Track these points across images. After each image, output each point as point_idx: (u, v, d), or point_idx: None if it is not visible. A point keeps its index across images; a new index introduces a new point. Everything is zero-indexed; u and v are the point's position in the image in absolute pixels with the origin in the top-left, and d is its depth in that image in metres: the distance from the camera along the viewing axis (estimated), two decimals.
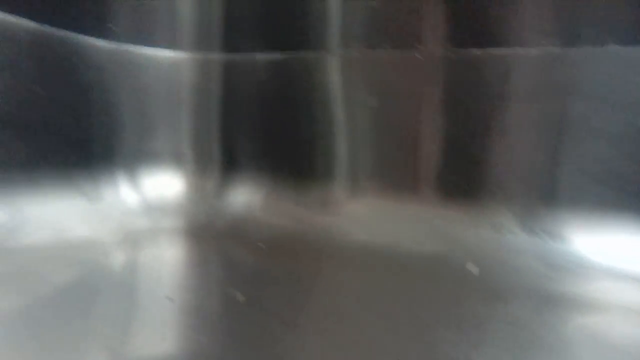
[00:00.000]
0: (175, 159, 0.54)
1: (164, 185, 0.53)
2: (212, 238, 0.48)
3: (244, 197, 0.53)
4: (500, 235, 0.42)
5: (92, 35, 0.47)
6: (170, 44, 0.53)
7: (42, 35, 0.43)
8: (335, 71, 0.50)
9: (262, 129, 0.53)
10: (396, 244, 0.43)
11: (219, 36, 0.54)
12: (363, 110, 0.49)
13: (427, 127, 0.46)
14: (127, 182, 0.50)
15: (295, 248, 0.45)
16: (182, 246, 0.46)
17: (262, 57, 0.52)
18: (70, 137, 0.46)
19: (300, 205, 0.50)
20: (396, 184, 0.48)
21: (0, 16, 0.39)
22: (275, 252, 0.43)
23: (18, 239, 0.38)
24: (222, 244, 0.46)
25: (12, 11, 0.40)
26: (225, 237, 0.48)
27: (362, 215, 0.48)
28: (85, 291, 0.32)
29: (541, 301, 0.33)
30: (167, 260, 0.42)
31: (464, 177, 0.45)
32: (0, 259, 0.35)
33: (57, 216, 0.42)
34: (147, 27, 0.52)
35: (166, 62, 0.53)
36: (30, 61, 0.42)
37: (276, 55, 0.52)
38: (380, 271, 0.39)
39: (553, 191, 0.41)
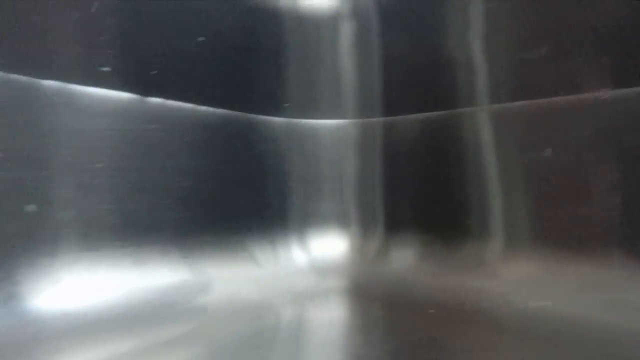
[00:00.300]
0: (340, 221, 0.56)
1: (330, 246, 0.55)
2: (376, 299, 0.47)
3: (405, 257, 0.52)
4: None
5: (268, 114, 0.53)
6: (335, 113, 0.57)
7: (228, 119, 0.50)
8: (486, 125, 0.48)
9: (421, 188, 0.53)
10: (565, 312, 0.37)
11: (379, 101, 0.56)
12: (517, 163, 0.45)
13: (596, 179, 0.40)
14: (297, 244, 0.54)
15: (456, 313, 0.41)
16: (347, 307, 0.47)
17: (417, 117, 0.53)
18: (249, 204, 0.51)
19: (459, 267, 0.47)
20: (559, 243, 0.42)
21: (190, 106, 0.47)
22: (435, 317, 0.40)
23: (201, 298, 0.43)
24: (387, 306, 0.45)
25: (204, 103, 0.48)
26: (389, 299, 0.47)
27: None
28: (256, 347, 0.34)
29: None
30: (334, 322, 0.42)
31: None
32: (186, 316, 0.39)
33: (234, 277, 0.47)
34: (314, 100, 0.57)
35: (331, 129, 0.57)
36: (218, 142, 0.49)
37: (430, 115, 0.52)
38: (550, 344, 0.34)
39: None
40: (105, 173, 0.40)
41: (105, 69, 0.41)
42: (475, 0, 0.48)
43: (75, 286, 0.37)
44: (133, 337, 0.34)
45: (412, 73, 0.54)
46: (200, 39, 0.46)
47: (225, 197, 0.49)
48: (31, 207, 0.36)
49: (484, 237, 0.48)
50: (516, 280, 0.44)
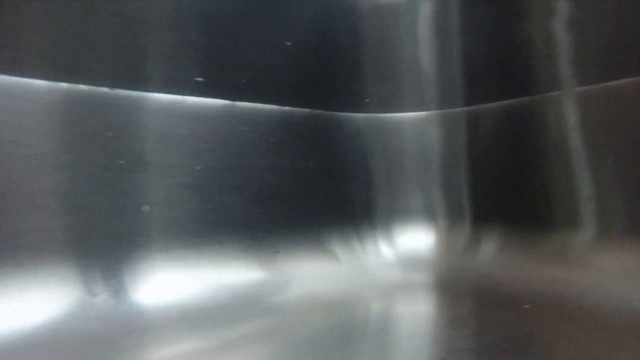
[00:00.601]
0: (426, 214, 0.56)
1: (416, 240, 0.55)
2: (467, 293, 0.47)
3: (494, 249, 0.50)
4: None
5: (350, 111, 0.54)
6: (417, 105, 0.57)
7: (311, 117, 0.52)
8: (573, 109, 0.45)
9: (508, 178, 0.51)
10: None
11: (462, 90, 0.55)
12: (608, 148, 0.42)
13: None
14: (383, 239, 0.54)
15: (554, 309, 0.40)
16: (437, 301, 0.47)
17: (502, 105, 0.51)
18: (334, 200, 0.53)
19: (549, 259, 0.45)
20: None
21: (276, 108, 0.49)
22: (532, 313, 0.39)
23: (281, 295, 0.44)
24: (478, 301, 0.45)
25: (288, 103, 0.50)
26: (480, 292, 0.46)
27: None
28: (342, 340, 0.35)
29: None
30: (425, 316, 0.43)
31: None
32: (263, 313, 0.40)
33: (322, 273, 0.48)
34: (395, 93, 0.57)
35: (414, 122, 0.57)
36: (302, 140, 0.51)
37: (514, 102, 0.50)
38: None
39: None
40: (204, 174, 0.44)
41: (200, 79, 0.44)
42: None
43: (175, 281, 0.40)
44: (218, 331, 0.36)
45: (494, 58, 0.52)
46: (287, 43, 0.48)
47: (310, 193, 0.51)
48: (146, 208, 0.39)
49: (575, 227, 0.45)
50: (612, 273, 0.41)
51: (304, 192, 0.51)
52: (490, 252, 0.50)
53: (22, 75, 0.34)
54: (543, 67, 0.48)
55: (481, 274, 0.49)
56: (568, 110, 0.46)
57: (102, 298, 0.35)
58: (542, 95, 0.48)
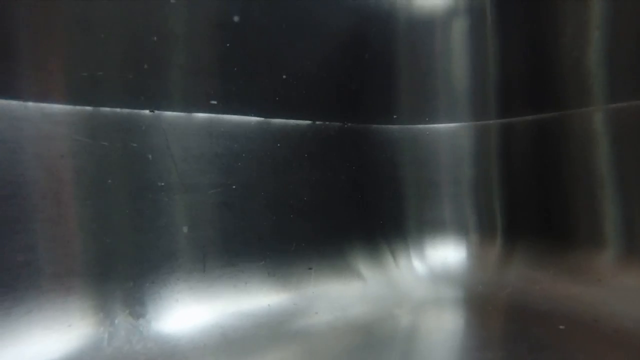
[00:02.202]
0: (458, 228, 0.56)
1: (447, 254, 0.55)
2: (500, 311, 0.46)
3: (526, 265, 0.50)
4: None
5: (381, 123, 0.54)
6: (450, 117, 0.57)
7: (342, 131, 0.52)
8: (603, 126, 0.45)
9: (540, 193, 0.51)
10: None
11: (494, 103, 0.55)
12: (636, 164, 0.42)
13: None
14: (415, 252, 0.54)
15: (590, 331, 0.39)
16: (470, 319, 0.47)
17: (534, 118, 0.51)
18: (365, 213, 0.53)
19: (584, 277, 0.45)
20: None
21: (308, 123, 0.49)
22: (567, 334, 0.38)
23: (307, 318, 0.43)
24: (512, 319, 0.45)
25: (320, 118, 0.49)
26: (513, 310, 0.46)
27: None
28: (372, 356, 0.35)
29: None
30: (458, 335, 0.43)
31: None
32: (289, 339, 0.40)
33: (348, 290, 0.49)
34: (428, 105, 0.57)
35: (446, 134, 0.57)
36: (334, 154, 0.51)
37: (544, 116, 0.50)
38: None
39: None
40: (238, 192, 0.44)
41: (234, 98, 0.44)
42: None
43: (203, 306, 0.41)
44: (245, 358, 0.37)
45: (527, 73, 0.52)
46: (321, 56, 0.48)
47: (341, 207, 0.51)
48: (185, 228, 0.40)
49: (604, 245, 0.45)
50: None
51: (336, 206, 0.51)
52: (524, 268, 0.50)
53: (67, 102, 0.35)
54: (575, 82, 0.48)
55: (514, 291, 0.49)
56: (598, 126, 0.46)
57: (124, 326, 0.36)
58: (572, 110, 0.48)
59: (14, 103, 0.32)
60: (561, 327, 0.41)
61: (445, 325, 0.44)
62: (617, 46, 0.45)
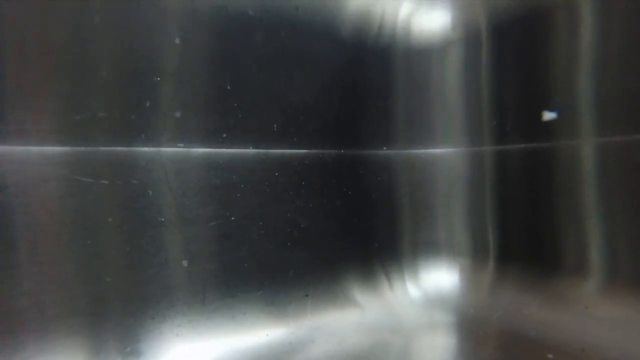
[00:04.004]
0: (452, 251, 0.57)
1: (441, 277, 0.56)
2: (490, 337, 0.48)
3: (518, 291, 0.51)
4: None
5: (377, 148, 0.55)
6: (445, 142, 0.58)
7: (339, 158, 0.52)
8: (591, 158, 0.46)
9: (532, 220, 0.52)
10: None
11: (489, 129, 0.55)
12: (623, 199, 0.43)
13: None
14: (409, 275, 0.55)
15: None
16: (459, 344, 0.48)
17: (527, 147, 0.52)
18: (360, 238, 0.54)
19: (574, 304, 0.46)
20: None
21: (304, 152, 0.49)
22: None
23: (307, 352, 0.45)
24: (503, 346, 0.46)
25: (317, 147, 0.50)
26: (504, 337, 0.47)
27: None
28: None
29: None
30: None
31: None
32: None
33: (345, 319, 0.50)
34: (422, 132, 0.58)
35: (441, 159, 0.58)
36: (331, 181, 0.52)
37: (537, 145, 0.51)
38: None
39: None
40: (237, 223, 0.44)
41: (234, 131, 0.44)
42: (583, 39, 0.46)
43: (203, 342, 0.42)
44: None
45: (522, 102, 0.53)
46: (315, 89, 0.48)
47: (337, 233, 0.52)
48: (185, 262, 0.40)
49: (594, 274, 0.46)
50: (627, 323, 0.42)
51: (333, 232, 0.52)
52: (513, 292, 0.52)
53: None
54: (564, 114, 0.49)
55: (505, 316, 0.50)
56: (586, 159, 0.47)
57: None
58: (562, 142, 0.49)
59: (17, 149, 0.32)
60: (550, 356, 0.42)
61: (439, 353, 0.46)
62: (607, 80, 0.46)
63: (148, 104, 0.38)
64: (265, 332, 0.44)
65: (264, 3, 0.44)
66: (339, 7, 0.49)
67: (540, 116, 0.51)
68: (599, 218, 0.47)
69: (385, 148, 0.55)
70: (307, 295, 0.48)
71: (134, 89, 0.38)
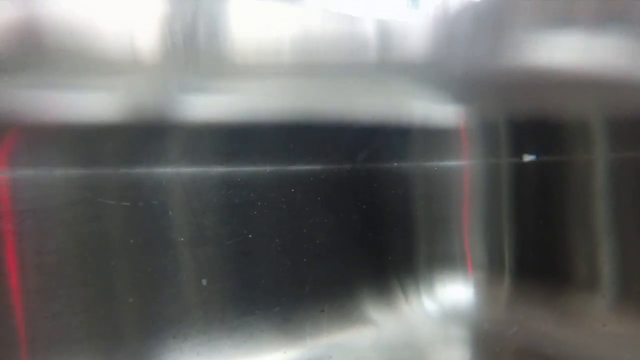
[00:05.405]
0: (467, 264, 0.57)
1: (456, 291, 0.56)
2: (506, 354, 0.48)
3: (531, 306, 0.51)
4: None
5: (392, 162, 0.55)
6: (458, 155, 0.58)
7: (353, 172, 0.52)
8: (604, 174, 0.47)
9: (549, 233, 0.52)
10: None
11: (505, 141, 0.55)
12: (634, 213, 0.43)
13: None
14: (424, 288, 0.55)
15: None
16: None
17: (541, 159, 0.52)
18: (374, 252, 0.54)
19: (591, 321, 0.46)
20: None
21: (320, 167, 0.50)
22: None
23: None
24: None
25: (332, 162, 0.50)
26: (518, 352, 0.47)
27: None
28: None
29: None
30: None
31: None
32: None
33: (361, 336, 0.50)
34: (437, 146, 0.58)
35: (456, 172, 0.58)
36: (345, 195, 0.52)
37: (551, 158, 0.51)
38: None
39: None
40: (255, 240, 0.45)
41: (253, 150, 0.45)
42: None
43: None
44: None
45: (536, 115, 0.52)
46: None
47: (353, 247, 0.52)
48: (204, 281, 0.41)
49: (607, 290, 0.46)
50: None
51: (349, 246, 0.52)
52: (529, 307, 0.52)
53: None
54: (578, 129, 0.49)
55: (520, 331, 0.50)
56: (599, 174, 0.47)
57: None
58: (576, 156, 0.49)
59: (42, 173, 0.33)
60: None
61: None
62: (619, 99, 0.45)
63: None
64: (282, 349, 0.44)
65: None
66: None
67: (554, 131, 0.51)
68: (612, 234, 0.46)
69: (401, 160, 0.55)
70: (322, 311, 0.49)
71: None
